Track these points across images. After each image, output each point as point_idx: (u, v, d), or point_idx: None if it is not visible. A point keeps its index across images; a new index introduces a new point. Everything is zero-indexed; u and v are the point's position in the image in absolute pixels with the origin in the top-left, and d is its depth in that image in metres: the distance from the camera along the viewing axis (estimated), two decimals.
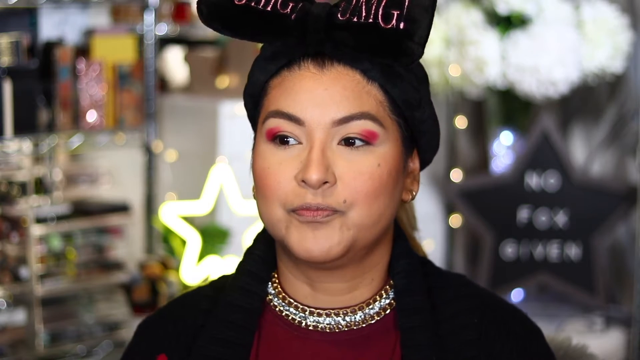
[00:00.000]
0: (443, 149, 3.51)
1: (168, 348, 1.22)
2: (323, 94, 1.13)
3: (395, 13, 1.09)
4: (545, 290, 3.34)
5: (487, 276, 3.22)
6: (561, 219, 3.22)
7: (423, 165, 1.26)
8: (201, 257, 3.15)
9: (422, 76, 1.21)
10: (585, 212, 3.21)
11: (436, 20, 3.13)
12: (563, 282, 3.21)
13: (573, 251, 3.21)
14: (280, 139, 1.14)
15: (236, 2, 1.13)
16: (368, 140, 1.13)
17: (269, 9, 1.13)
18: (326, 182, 1.11)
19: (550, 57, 2.99)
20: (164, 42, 3.59)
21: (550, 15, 3.05)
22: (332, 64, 1.15)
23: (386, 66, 1.15)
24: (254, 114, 1.22)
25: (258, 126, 1.19)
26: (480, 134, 3.57)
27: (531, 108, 3.33)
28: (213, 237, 3.15)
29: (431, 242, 3.50)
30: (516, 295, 3.26)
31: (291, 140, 1.14)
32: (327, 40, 1.13)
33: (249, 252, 1.27)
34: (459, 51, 3.09)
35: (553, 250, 3.22)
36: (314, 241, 1.12)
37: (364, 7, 1.11)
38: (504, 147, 3.32)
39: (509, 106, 3.28)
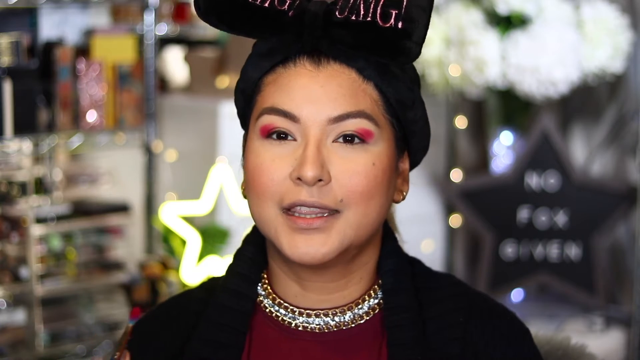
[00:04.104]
0: (443, 149, 3.51)
1: (161, 349, 1.23)
2: (319, 91, 1.13)
3: (394, 12, 1.09)
4: (545, 290, 3.34)
5: (487, 276, 3.22)
6: (561, 219, 3.22)
7: (412, 166, 1.25)
8: (201, 257, 3.15)
9: (415, 77, 1.21)
10: (585, 212, 3.21)
11: (436, 21, 3.13)
12: (563, 282, 3.21)
13: (573, 251, 3.21)
14: (277, 135, 1.14)
15: None
16: (364, 138, 1.13)
17: (266, 5, 1.13)
18: (321, 180, 1.11)
19: (550, 57, 2.99)
20: (164, 42, 3.59)
21: (550, 15, 3.05)
22: (328, 61, 1.14)
23: (381, 65, 1.15)
24: (245, 111, 1.22)
25: (250, 123, 1.19)
26: (480, 134, 3.57)
27: (531, 108, 3.33)
28: (213, 237, 3.15)
29: (431, 242, 3.50)
30: (516, 295, 3.26)
31: (287, 136, 1.13)
32: (324, 37, 1.13)
33: (238, 254, 1.27)
34: (459, 51, 3.09)
35: (553, 250, 3.22)
36: (306, 248, 1.12)
37: (362, 5, 1.11)
38: (504, 147, 3.32)
39: (509, 106, 3.28)
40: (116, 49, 3.04)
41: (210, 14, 1.15)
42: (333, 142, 1.13)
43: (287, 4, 1.13)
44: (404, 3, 1.10)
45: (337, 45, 1.13)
